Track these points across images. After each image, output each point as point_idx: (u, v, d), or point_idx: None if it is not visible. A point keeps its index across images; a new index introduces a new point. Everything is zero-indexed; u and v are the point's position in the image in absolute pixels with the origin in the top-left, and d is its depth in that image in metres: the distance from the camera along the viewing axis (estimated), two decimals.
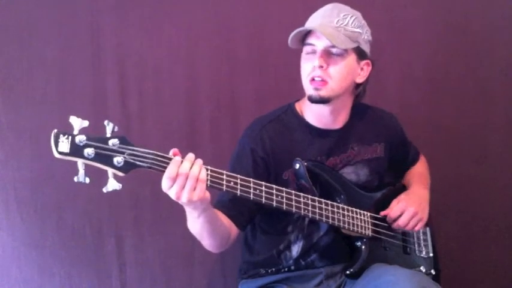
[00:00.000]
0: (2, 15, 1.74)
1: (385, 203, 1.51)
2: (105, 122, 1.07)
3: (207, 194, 1.15)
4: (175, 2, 1.82)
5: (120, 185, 1.07)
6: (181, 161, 1.12)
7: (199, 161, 1.14)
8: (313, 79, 1.38)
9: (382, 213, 1.48)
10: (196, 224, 1.25)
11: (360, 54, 1.42)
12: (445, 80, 1.98)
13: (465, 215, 2.02)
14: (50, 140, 1.01)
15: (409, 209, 1.47)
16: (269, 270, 1.50)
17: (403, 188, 1.61)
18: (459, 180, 2.01)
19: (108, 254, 1.84)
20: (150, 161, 1.10)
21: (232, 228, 1.38)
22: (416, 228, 1.49)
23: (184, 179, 1.11)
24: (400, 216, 1.47)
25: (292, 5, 1.84)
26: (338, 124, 1.49)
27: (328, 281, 1.48)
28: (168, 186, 1.12)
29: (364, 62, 1.44)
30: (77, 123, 1.04)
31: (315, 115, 1.47)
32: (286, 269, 1.49)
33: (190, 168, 1.12)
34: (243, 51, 1.87)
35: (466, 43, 1.97)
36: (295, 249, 1.48)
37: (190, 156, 1.14)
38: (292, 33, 1.39)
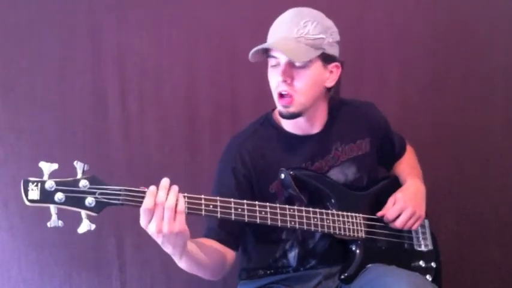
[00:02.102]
0: (2, 15, 1.74)
1: (378, 200, 1.48)
2: (75, 163, 1.08)
3: (187, 230, 1.13)
4: (175, 2, 1.82)
5: (94, 225, 1.08)
6: (157, 191, 1.11)
7: (175, 189, 1.12)
8: (280, 94, 1.35)
9: (379, 214, 1.46)
10: (181, 264, 1.23)
11: (326, 59, 1.37)
12: (445, 80, 1.98)
13: (465, 215, 2.02)
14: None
15: (407, 209, 1.44)
16: (268, 272, 1.49)
17: (396, 181, 1.58)
18: (459, 180, 2.01)
19: (108, 254, 1.84)
20: (122, 197, 1.10)
21: (227, 252, 1.36)
22: (415, 227, 1.47)
23: (162, 209, 1.09)
24: (397, 217, 1.45)
25: (292, 5, 1.84)
26: (317, 128, 1.46)
27: (327, 282, 1.46)
28: (147, 220, 1.10)
29: (332, 65, 1.40)
30: (46, 167, 1.06)
31: (292, 123, 1.44)
32: (284, 271, 1.49)
33: (167, 197, 1.10)
34: (243, 51, 1.86)
35: (466, 43, 1.97)
36: (292, 257, 1.46)
37: (164, 183, 1.12)
38: (252, 51, 1.34)
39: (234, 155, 1.43)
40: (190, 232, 1.15)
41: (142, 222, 1.11)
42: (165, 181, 1.13)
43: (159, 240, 1.12)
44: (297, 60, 1.31)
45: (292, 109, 1.36)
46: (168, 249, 1.15)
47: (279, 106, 1.38)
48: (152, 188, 1.11)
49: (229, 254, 1.37)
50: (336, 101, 1.48)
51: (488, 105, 2.01)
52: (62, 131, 1.80)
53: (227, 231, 1.36)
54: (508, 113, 2.01)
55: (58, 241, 1.81)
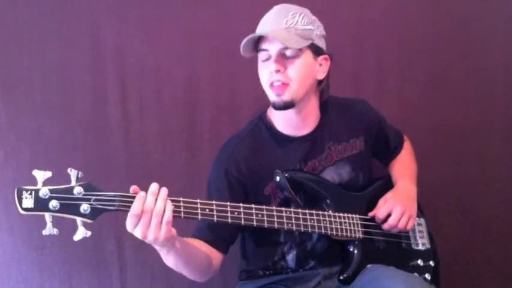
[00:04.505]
0: (2, 15, 1.74)
1: (374, 201, 1.49)
2: (69, 170, 1.08)
3: (173, 232, 1.13)
4: (175, 2, 1.82)
5: (90, 233, 1.08)
6: (146, 196, 1.10)
7: (163, 195, 1.11)
8: (272, 84, 1.36)
9: (370, 214, 1.46)
10: (168, 260, 1.22)
11: (315, 50, 1.39)
12: (445, 80, 1.98)
13: (465, 215, 2.02)
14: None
15: (396, 208, 1.44)
16: (267, 272, 1.49)
17: (391, 182, 1.59)
18: (459, 180, 2.01)
19: (108, 254, 1.84)
20: (117, 203, 1.09)
21: (215, 254, 1.35)
22: (408, 227, 1.46)
23: (149, 216, 1.09)
24: (388, 216, 1.44)
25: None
26: (309, 127, 1.47)
27: (326, 282, 1.47)
28: (133, 225, 1.09)
29: (321, 57, 1.41)
30: (40, 175, 1.05)
31: (284, 122, 1.45)
32: (284, 272, 1.49)
33: (155, 202, 1.10)
34: None
35: (466, 43, 1.98)
36: (290, 259, 1.47)
37: (153, 188, 1.11)
38: (243, 41, 1.35)
39: (228, 157, 1.43)
40: (183, 230, 1.15)
41: (128, 226, 1.10)
42: (154, 186, 1.12)
43: (146, 241, 1.12)
44: (290, 46, 1.32)
45: (285, 97, 1.36)
46: (155, 247, 1.16)
47: (272, 96, 1.37)
48: (142, 193, 1.11)
49: (217, 257, 1.36)
50: (326, 97, 1.49)
51: (488, 105, 2.01)
52: (62, 131, 1.80)
53: (216, 234, 1.35)
54: (508, 113, 2.02)
55: (58, 241, 1.80)
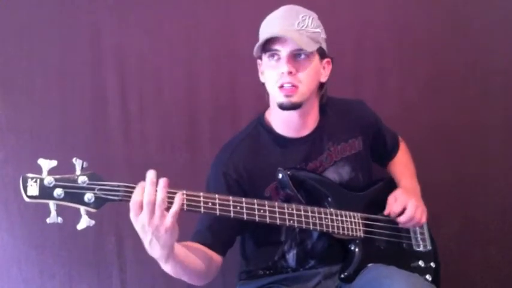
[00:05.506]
0: (2, 15, 1.74)
1: (376, 201, 1.49)
2: (74, 160, 1.09)
3: (177, 228, 1.11)
4: (175, 2, 1.82)
5: (93, 222, 1.08)
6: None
7: (160, 185, 1.08)
8: (282, 86, 1.34)
9: (385, 212, 1.45)
10: (166, 268, 1.21)
11: (322, 53, 1.39)
12: (445, 80, 1.98)
13: (465, 215, 2.02)
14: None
15: (410, 202, 1.44)
16: (267, 272, 1.49)
17: (393, 182, 1.59)
18: (459, 181, 2.01)
19: (108, 254, 1.84)
20: (121, 193, 1.09)
21: (214, 257, 1.34)
22: (423, 221, 1.46)
23: (152, 205, 1.07)
24: (403, 211, 1.44)
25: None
26: (309, 128, 1.46)
27: (326, 281, 1.47)
28: (135, 213, 1.08)
29: (325, 60, 1.42)
30: (45, 164, 1.06)
31: (284, 123, 1.45)
32: (284, 271, 1.49)
33: (156, 191, 1.07)
34: (243, 51, 1.86)
35: (466, 43, 1.97)
36: (291, 258, 1.46)
37: (151, 176, 1.08)
38: (258, 43, 1.33)
39: (227, 160, 1.43)
40: (181, 233, 1.15)
41: (132, 214, 1.09)
42: (150, 176, 1.08)
43: (147, 238, 1.11)
44: (304, 48, 1.32)
45: (294, 99, 1.35)
46: (155, 250, 1.13)
47: (281, 97, 1.35)
48: (142, 182, 1.09)
49: (216, 260, 1.36)
50: (325, 100, 1.49)
51: (488, 105, 2.01)
52: (62, 131, 1.80)
53: (215, 236, 1.35)
54: (507, 113, 2.02)
55: (58, 241, 1.81)
